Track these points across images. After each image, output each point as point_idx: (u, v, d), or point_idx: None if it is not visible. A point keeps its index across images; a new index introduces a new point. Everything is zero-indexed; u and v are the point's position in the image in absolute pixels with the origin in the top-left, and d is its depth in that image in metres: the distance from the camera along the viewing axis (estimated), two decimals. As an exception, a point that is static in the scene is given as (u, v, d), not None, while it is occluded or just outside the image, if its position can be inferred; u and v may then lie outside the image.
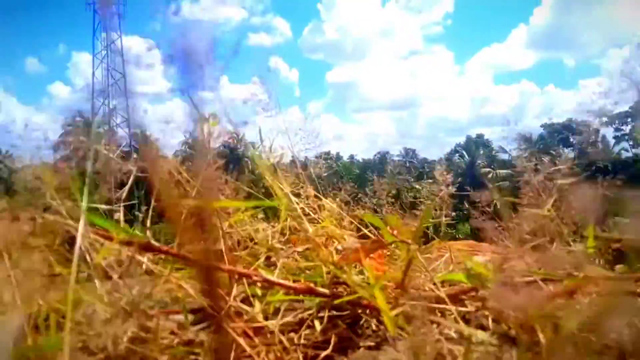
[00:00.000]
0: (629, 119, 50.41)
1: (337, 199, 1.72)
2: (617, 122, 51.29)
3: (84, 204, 0.81)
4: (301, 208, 1.35)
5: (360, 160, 61.96)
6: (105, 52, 38.51)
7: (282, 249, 1.29)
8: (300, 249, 1.24)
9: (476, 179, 42.96)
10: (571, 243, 1.53)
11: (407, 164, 63.01)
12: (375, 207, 2.28)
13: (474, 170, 43.13)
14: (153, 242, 0.94)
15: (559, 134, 53.45)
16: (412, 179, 45.75)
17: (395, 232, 1.12)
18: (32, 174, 0.93)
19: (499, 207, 2.52)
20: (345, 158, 66.54)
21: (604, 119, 52.12)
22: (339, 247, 1.25)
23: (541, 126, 55.60)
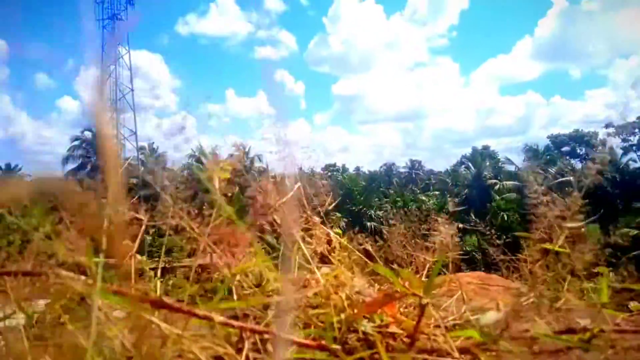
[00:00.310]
0: (637, 130, 50.07)
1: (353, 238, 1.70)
2: (624, 132, 50.94)
3: (98, 283, 0.81)
4: (310, 249, 1.35)
5: (367, 172, 61.20)
6: (114, 66, 39.14)
7: (293, 286, 1.29)
8: (310, 293, 1.24)
9: (482, 190, 42.78)
10: (584, 283, 1.52)
11: (414, 176, 62.79)
12: (386, 240, 2.26)
13: (480, 182, 42.86)
14: (165, 298, 0.94)
15: (566, 145, 53.20)
16: (418, 191, 45.41)
17: (407, 284, 1.12)
18: (42, 233, 0.94)
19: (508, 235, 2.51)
20: (352, 170, 66.37)
21: (612, 130, 51.85)
22: (350, 293, 1.25)
23: (548, 137, 55.51)
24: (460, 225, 2.11)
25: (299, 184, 1.48)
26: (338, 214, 37.11)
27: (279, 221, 1.35)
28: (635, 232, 32.15)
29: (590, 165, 1.37)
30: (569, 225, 1.38)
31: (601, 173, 1.39)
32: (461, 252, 1.97)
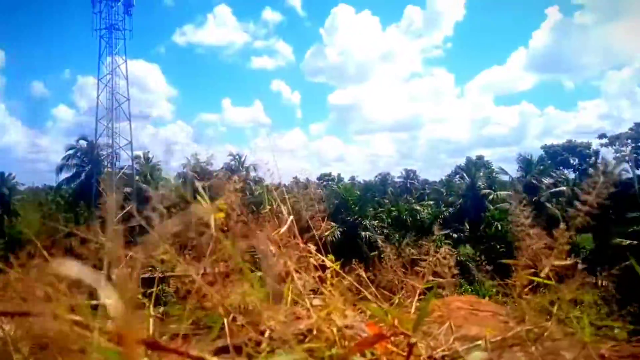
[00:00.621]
0: (629, 140, 50.48)
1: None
2: (617, 143, 51.34)
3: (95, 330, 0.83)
4: (303, 284, 1.38)
5: (362, 182, 60.42)
6: (110, 76, 39.09)
7: (285, 322, 1.31)
8: (302, 327, 1.27)
9: (477, 200, 42.52)
10: (571, 311, 1.55)
11: (408, 185, 65.93)
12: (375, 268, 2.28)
13: (474, 192, 42.80)
14: (159, 340, 0.96)
15: (559, 155, 53.47)
16: (413, 201, 45.19)
17: (396, 322, 1.15)
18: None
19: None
20: (347, 179, 66.79)
21: (605, 140, 52.20)
22: (342, 326, 1.27)
23: (541, 147, 55.85)
24: (455, 235, 2.14)
25: (291, 216, 1.51)
26: (333, 224, 35.92)
27: (274, 252, 1.37)
28: (628, 242, 32.32)
29: (579, 207, 1.41)
30: (555, 262, 1.41)
31: (591, 214, 1.43)
32: (454, 275, 1.99)
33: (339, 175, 75.63)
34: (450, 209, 42.03)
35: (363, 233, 35.16)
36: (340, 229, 34.59)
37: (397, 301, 1.84)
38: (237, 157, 48.75)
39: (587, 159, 53.38)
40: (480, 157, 55.55)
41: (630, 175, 46.42)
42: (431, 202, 45.97)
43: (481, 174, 45.89)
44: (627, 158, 49.47)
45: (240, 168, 47.04)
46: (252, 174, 46.04)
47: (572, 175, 51.42)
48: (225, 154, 50.82)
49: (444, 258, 1.65)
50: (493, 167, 49.57)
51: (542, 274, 1.56)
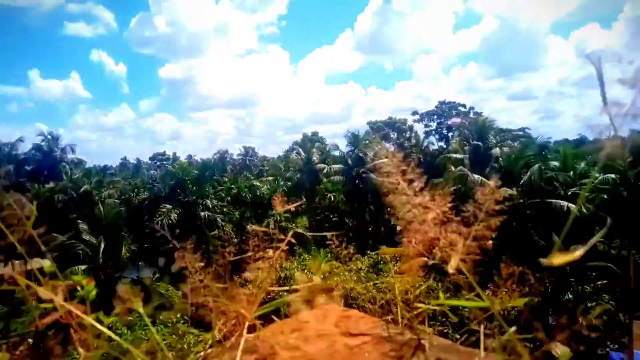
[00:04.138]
0: (435, 117, 57.32)
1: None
2: (426, 119, 58.01)
3: None
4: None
5: (199, 160, 56.87)
6: None
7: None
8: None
9: (312, 174, 43.24)
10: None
11: (247, 162, 63.24)
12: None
13: (310, 166, 43.66)
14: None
15: (382, 131, 55.04)
16: (252, 177, 46.99)
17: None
18: None
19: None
20: (183, 158, 64.90)
21: (417, 117, 56.48)
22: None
23: (367, 123, 58.72)
24: (292, 208, 1.64)
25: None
26: (168, 206, 33.21)
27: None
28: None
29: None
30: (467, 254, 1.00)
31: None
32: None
33: (174, 154, 71.10)
34: (288, 183, 43.18)
35: (202, 213, 34.18)
36: (177, 211, 33.40)
37: (210, 338, 1.36)
38: (48, 136, 41.91)
39: (404, 134, 55.26)
40: (315, 133, 57.30)
41: (436, 146, 51.14)
42: (270, 178, 46.14)
43: (315, 149, 46.83)
44: (433, 132, 54.69)
45: (55, 149, 41.37)
46: (70, 155, 41.61)
47: (392, 149, 74.47)
48: (35, 133, 42.70)
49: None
50: (326, 143, 51.19)
51: (450, 269, 1.02)
